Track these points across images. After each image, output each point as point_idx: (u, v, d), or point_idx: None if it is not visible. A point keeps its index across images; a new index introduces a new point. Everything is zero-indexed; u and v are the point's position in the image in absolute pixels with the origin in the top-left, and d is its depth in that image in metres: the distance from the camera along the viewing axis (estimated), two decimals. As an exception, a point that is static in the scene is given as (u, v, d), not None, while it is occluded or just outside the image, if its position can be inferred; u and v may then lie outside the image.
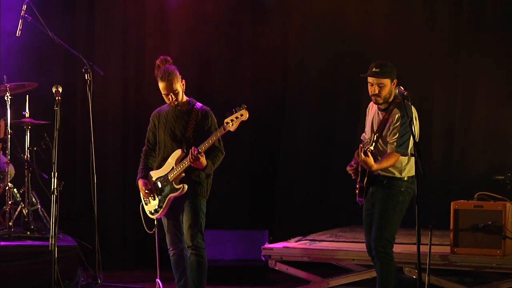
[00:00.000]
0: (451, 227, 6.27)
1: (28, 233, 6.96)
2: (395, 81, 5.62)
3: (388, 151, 5.59)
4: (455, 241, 6.27)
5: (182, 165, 5.74)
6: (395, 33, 8.37)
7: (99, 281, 6.56)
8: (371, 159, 5.45)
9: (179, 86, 5.83)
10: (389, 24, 8.40)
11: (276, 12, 8.71)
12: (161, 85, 5.82)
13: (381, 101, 5.65)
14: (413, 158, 5.57)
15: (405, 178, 5.65)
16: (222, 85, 8.60)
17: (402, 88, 5.31)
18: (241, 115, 5.65)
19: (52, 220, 5.47)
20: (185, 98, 5.92)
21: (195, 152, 5.63)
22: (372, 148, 5.45)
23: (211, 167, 5.80)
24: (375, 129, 5.69)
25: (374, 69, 5.61)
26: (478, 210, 6.23)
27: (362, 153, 5.44)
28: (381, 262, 5.65)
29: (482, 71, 8.11)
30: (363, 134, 6.02)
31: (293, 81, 8.79)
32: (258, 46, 8.66)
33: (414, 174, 5.63)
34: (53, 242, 5.42)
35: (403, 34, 8.36)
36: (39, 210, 7.32)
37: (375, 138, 5.49)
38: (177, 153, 5.82)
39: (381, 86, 5.59)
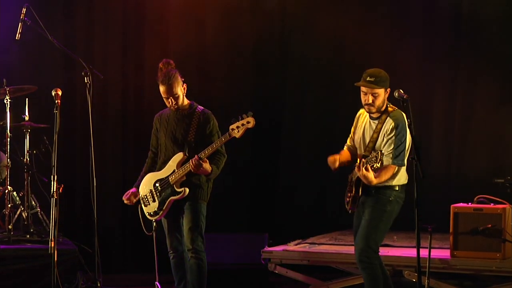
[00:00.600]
0: (451, 230, 6.27)
1: (28, 236, 6.93)
2: (388, 89, 5.53)
3: (385, 163, 5.50)
4: (455, 245, 6.27)
5: (184, 168, 5.74)
6: (395, 34, 8.39)
7: (99, 285, 6.54)
8: (371, 174, 5.38)
9: (180, 90, 5.82)
10: (390, 25, 8.41)
11: (276, 14, 8.72)
12: (161, 88, 5.81)
13: (374, 110, 5.58)
14: (404, 166, 5.56)
15: (396, 188, 5.59)
16: (222, 88, 8.60)
17: (402, 91, 5.21)
18: (248, 122, 5.56)
19: (52, 223, 5.47)
20: (186, 101, 5.91)
21: (197, 159, 5.62)
22: (378, 165, 5.33)
23: (216, 172, 5.79)
24: (367, 140, 5.63)
25: (368, 78, 5.51)
26: (478, 213, 6.22)
27: (363, 168, 5.37)
28: (366, 272, 5.58)
29: (482, 73, 8.13)
30: (347, 143, 5.90)
31: (293, 83, 8.79)
32: (258, 48, 8.66)
33: (405, 182, 5.62)
34: (52, 245, 5.42)
35: (403, 35, 8.38)
36: (39, 213, 7.31)
37: (380, 156, 5.33)
38: (179, 156, 5.81)
39: (375, 96, 5.52)
